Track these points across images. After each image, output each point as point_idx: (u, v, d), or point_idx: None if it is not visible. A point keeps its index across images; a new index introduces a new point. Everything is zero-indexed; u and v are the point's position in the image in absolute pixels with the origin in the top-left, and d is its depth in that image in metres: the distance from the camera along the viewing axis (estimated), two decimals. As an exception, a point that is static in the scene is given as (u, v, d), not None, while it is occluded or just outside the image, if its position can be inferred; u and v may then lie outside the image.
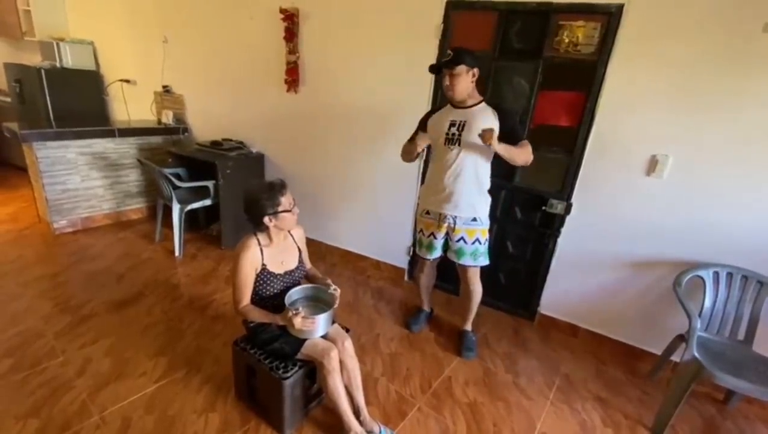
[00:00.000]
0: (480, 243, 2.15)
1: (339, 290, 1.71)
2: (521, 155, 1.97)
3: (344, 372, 1.67)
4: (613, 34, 2.06)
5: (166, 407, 1.79)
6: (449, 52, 1.97)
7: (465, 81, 1.96)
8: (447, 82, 1.98)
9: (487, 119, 1.99)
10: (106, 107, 4.75)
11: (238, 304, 1.65)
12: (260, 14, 3.16)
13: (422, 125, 2.21)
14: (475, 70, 1.98)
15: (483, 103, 2.04)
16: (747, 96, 1.86)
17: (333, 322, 1.74)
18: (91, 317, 2.35)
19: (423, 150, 2.18)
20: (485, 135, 1.85)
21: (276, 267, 1.70)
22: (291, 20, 2.97)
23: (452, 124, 2.05)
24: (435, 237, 2.24)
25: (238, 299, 1.64)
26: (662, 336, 2.21)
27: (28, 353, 2.03)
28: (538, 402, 2.03)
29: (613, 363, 2.37)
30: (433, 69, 2.06)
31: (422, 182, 2.80)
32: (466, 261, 2.17)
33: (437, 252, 2.30)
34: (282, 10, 2.95)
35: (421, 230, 2.30)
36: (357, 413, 1.69)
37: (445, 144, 2.06)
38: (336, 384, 1.60)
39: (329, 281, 1.77)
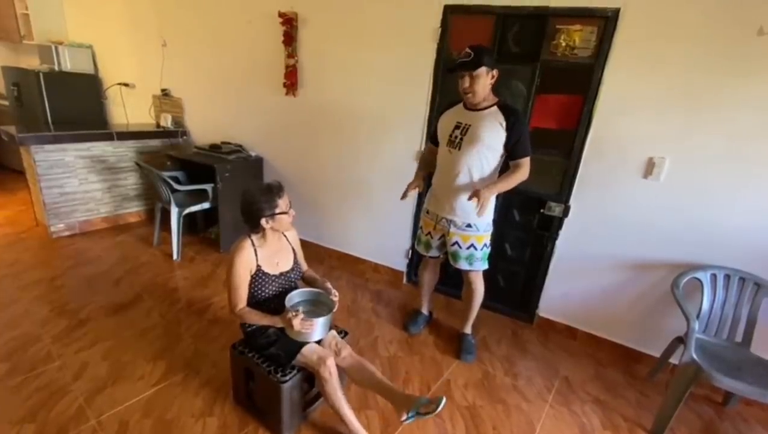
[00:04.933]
0: (475, 248, 2.12)
1: (338, 295, 1.72)
2: (514, 181, 1.93)
3: (356, 374, 1.67)
4: (609, 38, 2.08)
5: (163, 411, 1.78)
6: (468, 51, 1.84)
7: (484, 83, 1.88)
8: (466, 84, 1.88)
9: (492, 126, 1.90)
10: (104, 111, 4.75)
11: (235, 307, 1.64)
12: (259, 18, 3.17)
13: (433, 130, 2.19)
14: (495, 71, 1.89)
15: (495, 107, 1.94)
16: (742, 98, 1.88)
17: (330, 328, 1.74)
18: (88, 321, 2.34)
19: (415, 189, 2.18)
20: (473, 201, 1.86)
21: (271, 268, 1.69)
22: (290, 24, 2.98)
23: (457, 126, 2.00)
24: (431, 237, 2.25)
25: (234, 302, 1.64)
26: (661, 338, 2.22)
27: (25, 357, 2.02)
28: (537, 404, 2.02)
29: (612, 366, 2.37)
30: (451, 69, 1.95)
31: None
32: (461, 264, 2.17)
33: (434, 252, 2.30)
34: (281, 14, 2.97)
35: (421, 227, 2.32)
36: (396, 396, 1.61)
37: (447, 146, 2.04)
38: (335, 392, 1.58)
39: (329, 284, 1.77)
